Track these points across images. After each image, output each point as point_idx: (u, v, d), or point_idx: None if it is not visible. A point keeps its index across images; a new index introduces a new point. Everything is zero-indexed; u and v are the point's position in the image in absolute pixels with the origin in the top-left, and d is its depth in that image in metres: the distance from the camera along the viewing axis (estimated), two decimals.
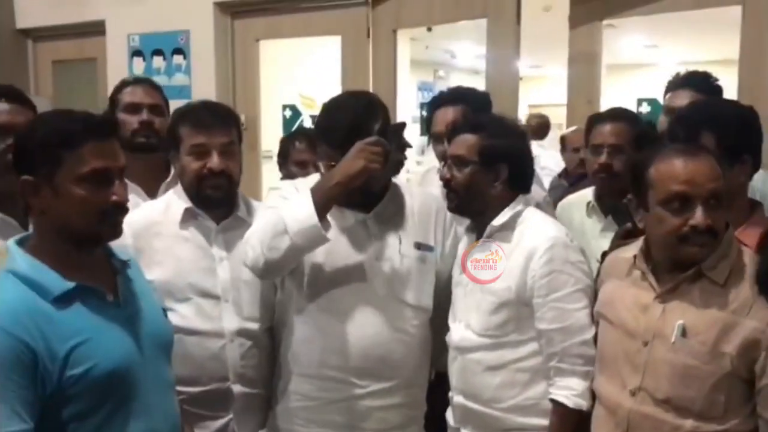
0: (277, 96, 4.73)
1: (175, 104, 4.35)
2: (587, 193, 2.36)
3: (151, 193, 2.41)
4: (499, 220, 1.88)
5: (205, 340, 1.98)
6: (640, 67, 7.32)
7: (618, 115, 2.31)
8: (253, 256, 1.83)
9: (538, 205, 2.11)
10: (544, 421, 1.79)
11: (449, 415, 2.00)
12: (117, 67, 4.57)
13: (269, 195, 2.07)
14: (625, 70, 7.58)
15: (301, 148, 2.97)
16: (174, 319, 1.94)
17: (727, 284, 1.52)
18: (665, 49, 7.76)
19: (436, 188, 2.18)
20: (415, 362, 1.98)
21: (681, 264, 1.55)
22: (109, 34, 4.61)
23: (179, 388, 1.94)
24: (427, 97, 7.22)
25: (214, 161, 1.96)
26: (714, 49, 7.32)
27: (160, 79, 4.44)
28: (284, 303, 2.00)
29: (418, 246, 1.98)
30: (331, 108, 1.97)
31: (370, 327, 1.91)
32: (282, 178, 3.01)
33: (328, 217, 1.81)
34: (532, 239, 1.82)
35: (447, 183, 1.91)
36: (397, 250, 1.95)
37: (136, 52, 4.55)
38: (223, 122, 2.01)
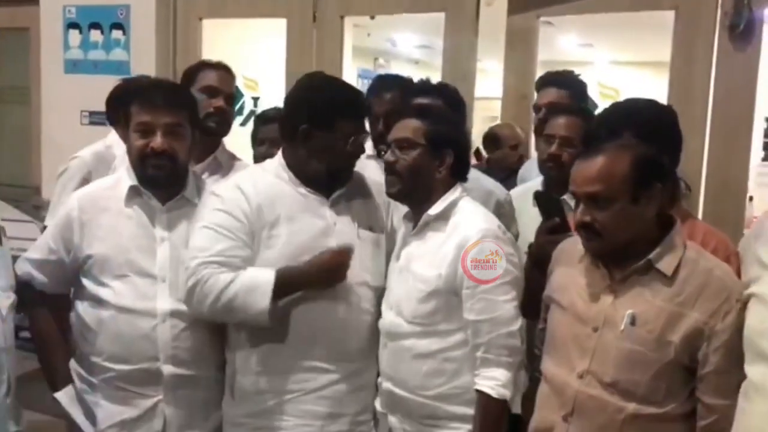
0: None
1: (112, 80, 4.33)
2: (536, 184, 2.44)
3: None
4: (434, 210, 1.90)
5: (136, 319, 1.98)
6: (575, 65, 7.46)
7: (573, 108, 2.42)
8: (195, 302, 1.89)
9: (498, 202, 2.18)
10: (469, 410, 1.83)
11: (377, 401, 2.03)
12: (51, 38, 4.45)
13: (208, 198, 2.04)
14: (560, 67, 7.74)
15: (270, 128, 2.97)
16: (107, 295, 1.99)
17: (675, 276, 1.59)
18: (599, 49, 7.98)
19: (373, 174, 2.21)
20: (375, 342, 2.01)
21: (631, 254, 1.63)
22: (43, 3, 4.46)
23: (109, 364, 2.00)
24: (367, 84, 7.23)
25: (157, 141, 1.96)
26: (646, 51, 7.60)
27: (97, 54, 4.37)
28: None
29: (371, 229, 2.02)
30: (330, 87, 2.03)
31: (339, 312, 1.94)
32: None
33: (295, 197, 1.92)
34: (464, 230, 1.85)
35: (391, 166, 1.91)
36: (356, 234, 1.98)
37: (72, 24, 4.41)
38: (171, 102, 2.00)
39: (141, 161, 1.98)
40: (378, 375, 2.01)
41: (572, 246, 1.78)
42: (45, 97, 4.49)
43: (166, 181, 2.02)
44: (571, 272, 1.74)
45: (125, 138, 2.10)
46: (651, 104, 1.96)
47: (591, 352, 1.64)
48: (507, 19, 3.64)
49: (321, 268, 1.90)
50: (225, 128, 2.52)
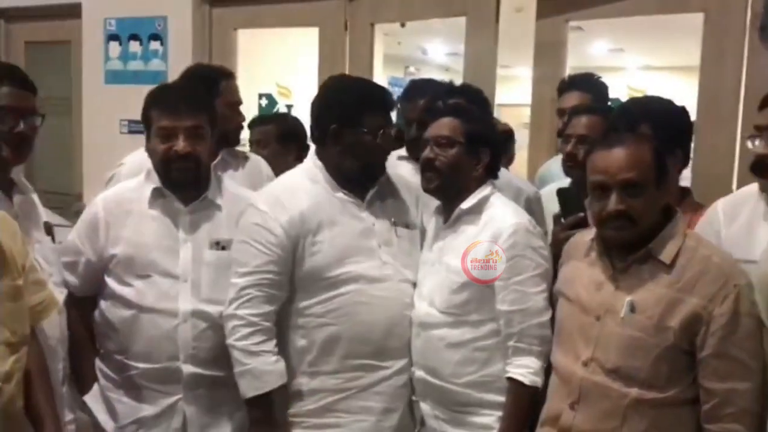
0: (253, 85, 4.77)
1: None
2: (563, 184, 2.48)
3: None
4: (467, 204, 1.97)
5: (158, 318, 2.03)
6: (606, 71, 7.46)
7: (595, 108, 2.46)
8: (227, 328, 1.99)
9: (528, 199, 2.23)
10: (499, 398, 1.89)
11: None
12: (92, 50, 4.58)
13: (248, 210, 2.06)
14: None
15: (261, 130, 3.20)
16: (130, 294, 2.05)
17: (674, 264, 1.64)
18: (630, 54, 7.97)
19: (406, 175, 2.28)
20: None
21: (632, 244, 1.67)
22: (85, 17, 4.60)
23: (131, 362, 2.06)
24: (398, 92, 7.30)
25: (180, 144, 2.01)
26: (676, 56, 7.57)
27: (136, 65, 4.51)
28: (283, 309, 2.02)
29: (407, 225, 2.09)
30: (353, 85, 2.15)
31: (387, 310, 1.99)
32: None
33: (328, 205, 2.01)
34: (496, 223, 1.91)
35: (430, 163, 1.97)
36: (394, 233, 2.05)
37: (113, 36, 4.55)
38: (191, 106, 2.05)
39: (165, 165, 2.04)
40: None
41: (580, 240, 1.84)
42: (86, 107, 4.63)
43: (190, 183, 2.08)
44: (578, 265, 1.80)
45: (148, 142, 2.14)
46: (667, 103, 2.07)
47: (594, 341, 1.69)
48: (536, 24, 3.68)
49: None
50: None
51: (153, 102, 2.09)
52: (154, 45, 4.44)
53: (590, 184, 1.71)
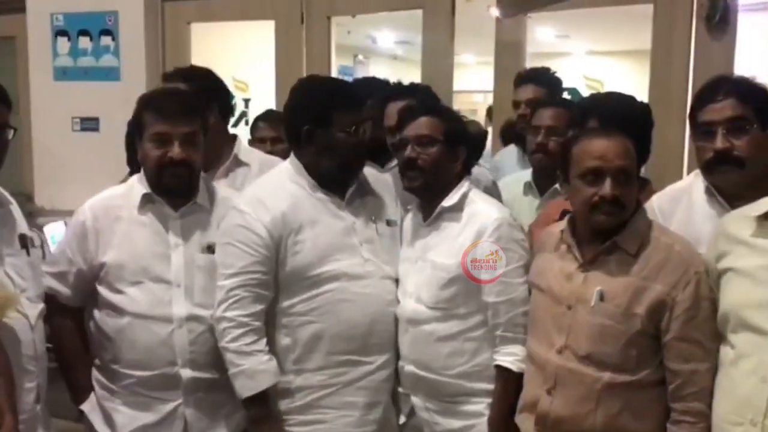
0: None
1: (103, 86, 4.36)
2: (525, 174, 2.57)
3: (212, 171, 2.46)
4: (448, 201, 2.01)
5: (153, 325, 2.01)
6: (553, 56, 7.61)
7: (559, 101, 2.57)
8: (218, 330, 1.99)
9: (486, 189, 2.29)
10: (488, 386, 1.96)
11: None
12: (39, 46, 4.47)
13: (230, 213, 2.06)
14: (539, 59, 7.85)
15: (263, 126, 3.17)
16: (123, 302, 2.02)
17: (639, 254, 1.71)
18: (575, 40, 8.12)
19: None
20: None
21: (599, 236, 1.75)
22: (29, 11, 4.48)
23: (128, 371, 2.03)
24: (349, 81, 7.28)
25: (175, 151, 1.99)
26: (620, 41, 7.75)
27: (86, 61, 4.42)
28: (267, 309, 2.02)
29: (389, 223, 2.12)
30: (320, 85, 2.16)
31: (370, 306, 2.02)
32: None
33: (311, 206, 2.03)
34: (480, 219, 1.96)
35: (412, 162, 2.01)
36: (375, 230, 2.08)
37: (61, 32, 4.44)
38: (186, 111, 2.03)
39: (158, 171, 2.01)
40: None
41: (550, 234, 1.91)
42: (35, 104, 4.51)
43: (183, 189, 2.07)
44: (549, 257, 1.86)
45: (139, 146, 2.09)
46: (626, 97, 2.19)
47: (567, 329, 1.75)
48: (496, 18, 3.74)
49: None
50: None
51: (147, 106, 2.05)
52: (105, 40, 4.35)
53: (583, 170, 1.74)
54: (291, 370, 2.02)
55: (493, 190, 2.41)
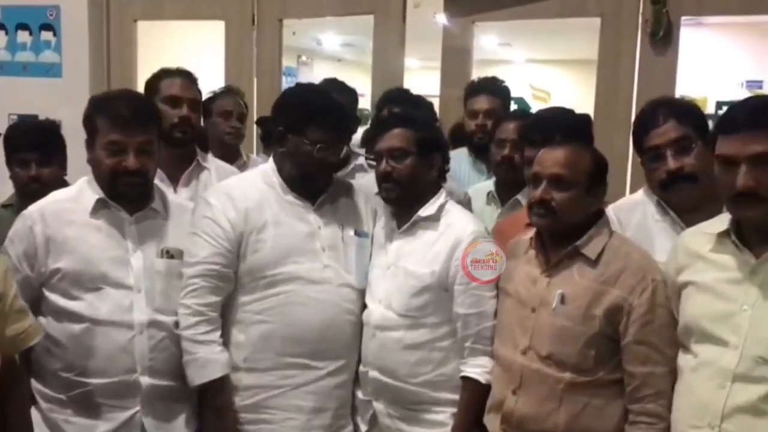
0: None
1: (43, 82, 4.21)
2: (488, 184, 2.62)
3: (175, 180, 2.44)
4: (426, 211, 2.03)
5: (113, 331, 1.95)
6: (495, 64, 7.79)
7: (522, 113, 2.62)
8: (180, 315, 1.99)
9: (459, 201, 2.32)
10: (452, 395, 1.97)
11: (358, 390, 2.11)
12: None
13: (199, 204, 2.09)
14: (481, 66, 8.01)
15: (226, 100, 3.11)
16: (80, 308, 1.94)
17: (599, 259, 1.77)
18: (516, 48, 8.31)
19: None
20: (356, 341, 2.11)
21: (563, 242, 1.81)
22: None
23: (83, 379, 1.95)
24: (291, 82, 7.26)
25: (131, 161, 1.94)
26: (561, 50, 7.98)
27: (25, 56, 4.26)
28: (225, 304, 2.02)
29: (356, 233, 2.11)
30: (308, 94, 2.12)
31: (324, 312, 2.01)
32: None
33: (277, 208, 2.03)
34: (456, 231, 1.98)
35: (388, 175, 2.02)
36: (341, 237, 2.07)
37: None
38: (142, 119, 1.98)
39: (112, 179, 1.96)
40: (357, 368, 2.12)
41: (520, 241, 1.97)
42: None
43: (137, 197, 2.02)
44: (517, 263, 1.92)
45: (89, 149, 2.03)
46: (570, 111, 2.27)
47: (530, 330, 1.80)
48: (443, 25, 3.80)
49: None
50: (191, 136, 2.51)
51: (100, 111, 1.98)
52: (46, 35, 4.20)
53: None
54: (242, 367, 2.02)
55: (465, 204, 2.43)
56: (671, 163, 1.88)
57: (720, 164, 1.58)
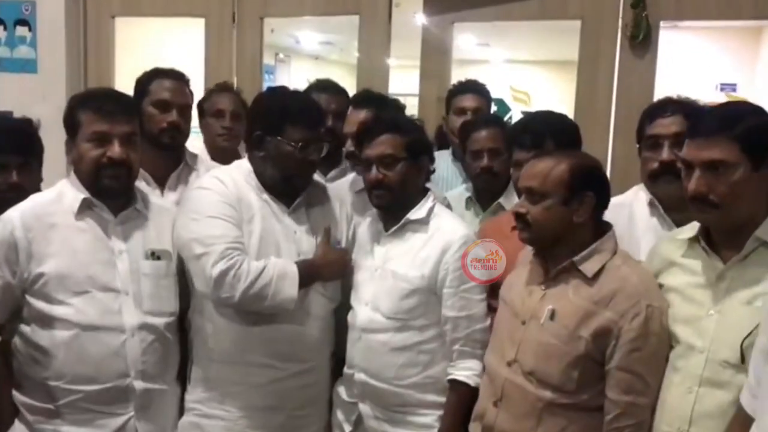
0: (134, 76, 4.56)
1: (18, 78, 4.14)
2: (464, 190, 2.62)
3: (161, 182, 2.38)
4: (417, 215, 2.03)
5: (103, 336, 1.91)
6: (473, 64, 7.80)
7: (491, 120, 2.59)
8: (226, 287, 1.90)
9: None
10: (438, 398, 1.98)
11: (341, 390, 2.13)
12: None
13: (196, 192, 2.06)
14: (459, 66, 8.02)
15: (218, 98, 2.93)
16: (66, 314, 1.89)
17: (596, 278, 1.71)
18: (494, 48, 8.34)
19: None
20: (325, 345, 2.12)
21: (563, 255, 1.77)
22: None
23: (73, 386, 1.90)
24: (269, 80, 7.21)
25: (115, 150, 1.91)
26: (540, 50, 8.02)
27: (0, 51, 4.17)
28: (201, 294, 2.01)
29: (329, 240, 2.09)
30: (283, 96, 2.12)
31: (293, 317, 2.00)
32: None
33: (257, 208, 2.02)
34: (446, 235, 1.98)
35: (379, 183, 2.01)
36: (314, 243, 2.07)
37: None
38: (125, 111, 1.97)
39: (96, 171, 1.93)
40: (326, 376, 2.15)
41: (528, 249, 1.93)
42: None
43: (121, 191, 1.99)
44: (521, 272, 1.89)
45: (70, 149, 1.99)
46: (558, 115, 2.26)
47: (518, 343, 1.77)
48: (423, 25, 3.81)
49: (334, 263, 2.06)
50: (180, 141, 2.46)
51: (83, 104, 1.96)
52: (21, 30, 4.13)
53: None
54: (205, 358, 2.04)
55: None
56: (665, 154, 1.92)
57: (683, 167, 1.62)
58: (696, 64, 5.14)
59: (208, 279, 1.90)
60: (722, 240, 1.61)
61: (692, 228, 1.68)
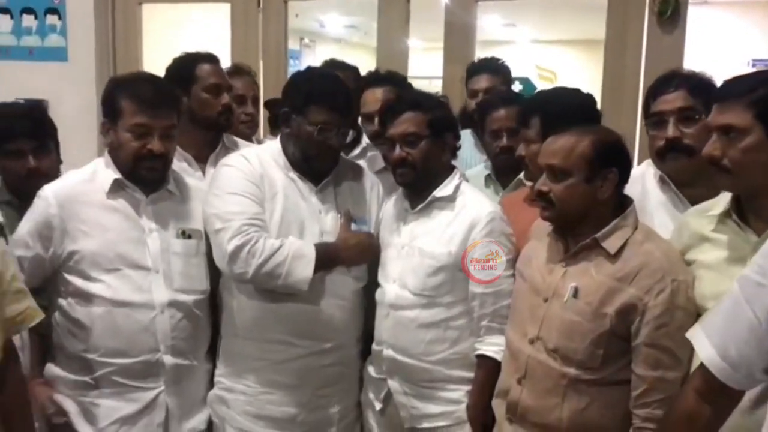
0: (160, 62, 4.60)
1: (49, 66, 4.20)
2: (483, 168, 2.62)
3: (202, 161, 2.44)
4: (443, 192, 2.04)
5: (134, 312, 1.98)
6: (499, 44, 7.75)
7: (509, 99, 2.54)
8: (240, 263, 1.93)
9: None
10: (465, 373, 2.00)
11: (371, 369, 2.15)
12: None
13: (221, 170, 2.10)
14: (485, 47, 7.97)
15: (236, 83, 2.79)
16: (100, 290, 1.97)
17: (619, 254, 1.70)
18: (521, 28, 8.27)
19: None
20: (350, 325, 2.14)
21: (584, 232, 1.76)
22: None
23: (107, 359, 1.99)
24: (295, 65, 7.23)
25: (156, 145, 1.96)
26: (566, 30, 7.94)
27: (31, 40, 4.26)
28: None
29: (355, 221, 2.11)
30: (314, 76, 2.14)
31: (315, 296, 2.03)
32: None
33: (281, 187, 2.05)
34: (473, 212, 1.99)
35: (403, 161, 2.01)
36: (338, 223, 2.08)
37: (2, 9, 4.25)
38: (168, 103, 2.00)
39: (135, 162, 1.98)
40: (354, 354, 2.18)
41: (543, 222, 1.93)
42: None
43: (157, 181, 2.04)
44: (537, 245, 1.89)
45: (107, 131, 2.03)
46: (573, 92, 2.15)
47: (540, 320, 1.76)
48: (446, 4, 3.78)
49: (354, 247, 2.05)
50: (234, 122, 2.61)
51: (126, 92, 1.98)
52: (52, 19, 4.19)
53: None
54: (231, 333, 2.09)
55: None
56: (671, 131, 1.88)
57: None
58: (726, 40, 5.05)
59: (224, 254, 1.95)
60: (754, 212, 1.59)
61: (721, 202, 1.66)
